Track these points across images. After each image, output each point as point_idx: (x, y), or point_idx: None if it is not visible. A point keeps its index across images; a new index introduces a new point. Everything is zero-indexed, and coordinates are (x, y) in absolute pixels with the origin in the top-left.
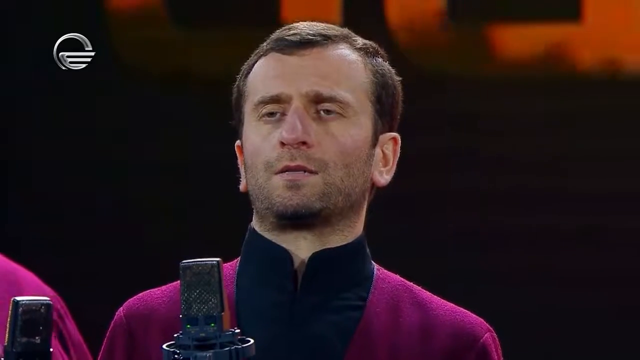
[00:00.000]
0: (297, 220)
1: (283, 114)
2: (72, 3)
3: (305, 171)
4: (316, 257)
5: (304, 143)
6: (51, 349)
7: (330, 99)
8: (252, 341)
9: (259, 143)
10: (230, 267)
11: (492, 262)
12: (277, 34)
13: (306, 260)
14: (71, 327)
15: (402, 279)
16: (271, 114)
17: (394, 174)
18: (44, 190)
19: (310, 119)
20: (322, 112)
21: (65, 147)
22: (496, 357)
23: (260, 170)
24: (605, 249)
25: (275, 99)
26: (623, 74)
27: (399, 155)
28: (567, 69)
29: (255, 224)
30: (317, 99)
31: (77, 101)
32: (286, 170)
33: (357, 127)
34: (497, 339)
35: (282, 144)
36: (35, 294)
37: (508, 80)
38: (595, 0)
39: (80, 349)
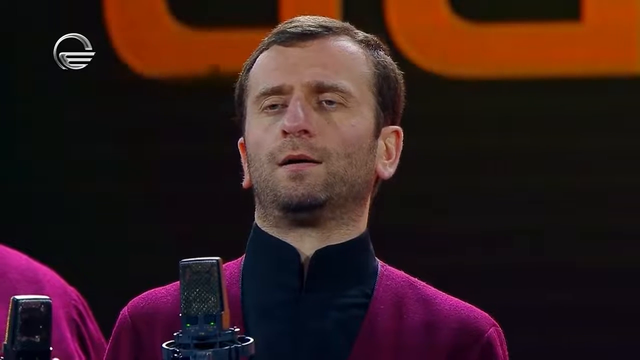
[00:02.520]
0: (302, 211)
1: (285, 105)
2: (72, 3)
3: (308, 161)
4: (320, 254)
5: (305, 132)
6: (51, 348)
7: (332, 89)
8: (251, 340)
9: (261, 135)
10: (235, 266)
11: (497, 260)
12: (278, 27)
13: (310, 256)
14: (92, 327)
15: (407, 275)
16: (273, 106)
17: (398, 170)
18: (44, 191)
19: (311, 108)
20: (323, 102)
21: (65, 147)
22: (500, 351)
23: (264, 162)
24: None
25: (277, 91)
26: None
27: (401, 149)
28: (568, 68)
29: (258, 220)
30: (318, 89)
31: (77, 101)
32: (289, 161)
33: (359, 117)
34: (502, 333)
35: (284, 133)
36: (57, 293)
37: (508, 79)
38: (596, 1)
39: (101, 350)
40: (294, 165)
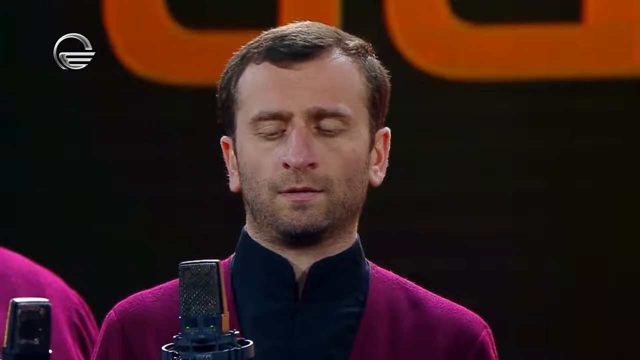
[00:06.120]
0: (304, 238)
1: (283, 131)
2: (71, 4)
3: (310, 191)
4: (317, 267)
5: (310, 164)
6: (50, 351)
7: (332, 115)
8: (251, 343)
9: (259, 159)
10: (223, 269)
11: (499, 261)
12: (269, 40)
13: (306, 270)
14: (94, 332)
15: (397, 276)
16: (271, 133)
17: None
18: (44, 191)
19: (312, 135)
20: (323, 128)
21: (65, 147)
22: (493, 354)
23: (263, 187)
24: None
25: (276, 116)
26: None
27: (389, 149)
28: (568, 70)
29: (249, 229)
30: (318, 115)
31: (77, 101)
32: (292, 191)
33: (357, 138)
34: (492, 334)
35: (286, 165)
36: (58, 296)
37: (508, 81)
38: (597, 2)
39: None
40: (296, 195)
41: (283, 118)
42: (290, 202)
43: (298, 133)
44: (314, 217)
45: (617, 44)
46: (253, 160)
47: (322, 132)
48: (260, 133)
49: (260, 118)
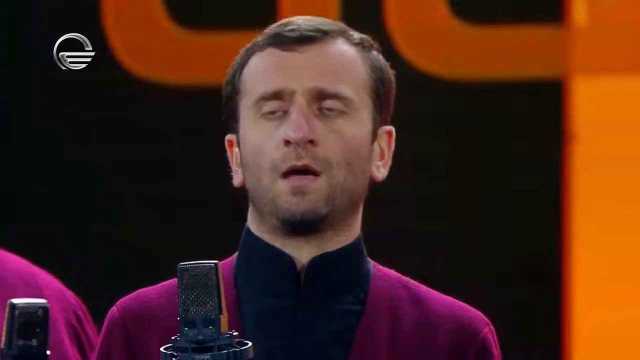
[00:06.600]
0: (303, 225)
1: (285, 111)
2: (70, 5)
3: (310, 172)
4: (317, 261)
5: (310, 141)
6: (48, 352)
7: (334, 96)
8: (250, 344)
9: (260, 142)
10: (226, 268)
11: (498, 261)
12: (273, 29)
13: (307, 263)
14: (91, 333)
15: (399, 274)
16: (273, 112)
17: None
18: (44, 191)
19: (313, 115)
20: (324, 110)
21: (65, 147)
22: (495, 351)
23: (265, 170)
24: None
25: (278, 95)
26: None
27: (393, 148)
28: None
29: (251, 223)
30: (320, 95)
31: (77, 101)
32: (293, 171)
33: (359, 124)
34: (494, 332)
35: (287, 142)
36: (56, 298)
37: (507, 81)
38: (597, 2)
39: None
40: (296, 179)
41: (285, 97)
42: (289, 187)
43: (299, 110)
44: (312, 203)
45: (608, 45)
46: (255, 146)
47: (324, 114)
48: (263, 115)
49: (263, 97)
